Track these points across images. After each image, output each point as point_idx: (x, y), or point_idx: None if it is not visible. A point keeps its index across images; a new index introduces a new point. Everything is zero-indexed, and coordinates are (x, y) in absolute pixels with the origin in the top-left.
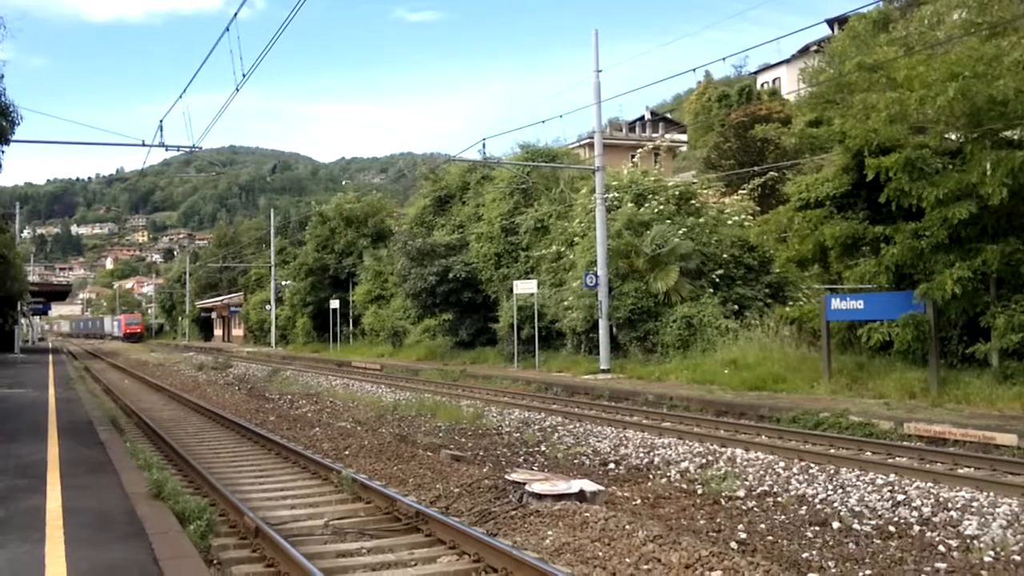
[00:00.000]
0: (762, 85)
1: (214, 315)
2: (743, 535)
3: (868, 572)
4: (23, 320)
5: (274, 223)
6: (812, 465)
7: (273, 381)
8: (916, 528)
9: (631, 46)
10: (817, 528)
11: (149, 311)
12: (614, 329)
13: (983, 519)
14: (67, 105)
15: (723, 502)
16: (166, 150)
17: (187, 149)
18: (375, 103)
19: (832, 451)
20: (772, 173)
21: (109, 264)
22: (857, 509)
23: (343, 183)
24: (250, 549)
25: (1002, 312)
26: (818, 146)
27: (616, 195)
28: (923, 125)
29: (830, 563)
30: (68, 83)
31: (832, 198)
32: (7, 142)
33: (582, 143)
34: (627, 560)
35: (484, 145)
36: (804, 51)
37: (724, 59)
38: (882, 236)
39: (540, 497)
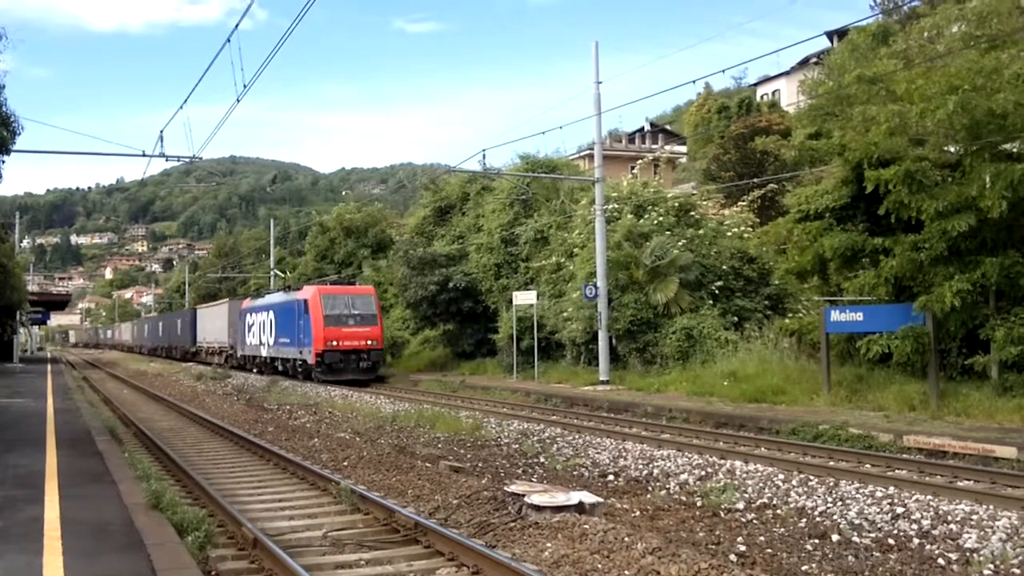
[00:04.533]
0: (761, 97)
1: None
2: (742, 548)
3: None
4: (22, 329)
5: (274, 233)
6: (811, 477)
7: (272, 391)
8: (915, 541)
9: (631, 58)
10: (816, 541)
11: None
12: (613, 340)
13: (983, 532)
14: (67, 115)
15: (722, 514)
16: (166, 160)
17: (187, 159)
18: (375, 114)
19: (831, 463)
20: (772, 185)
21: (108, 274)
22: (856, 522)
23: (343, 193)
24: (248, 560)
25: (1001, 324)
26: (817, 158)
27: (616, 206)
28: (922, 138)
29: None
30: (69, 93)
31: (831, 210)
32: (8, 152)
33: (582, 154)
34: (626, 573)
35: (484, 156)
36: (804, 63)
37: (724, 71)
38: (881, 248)
39: (539, 509)
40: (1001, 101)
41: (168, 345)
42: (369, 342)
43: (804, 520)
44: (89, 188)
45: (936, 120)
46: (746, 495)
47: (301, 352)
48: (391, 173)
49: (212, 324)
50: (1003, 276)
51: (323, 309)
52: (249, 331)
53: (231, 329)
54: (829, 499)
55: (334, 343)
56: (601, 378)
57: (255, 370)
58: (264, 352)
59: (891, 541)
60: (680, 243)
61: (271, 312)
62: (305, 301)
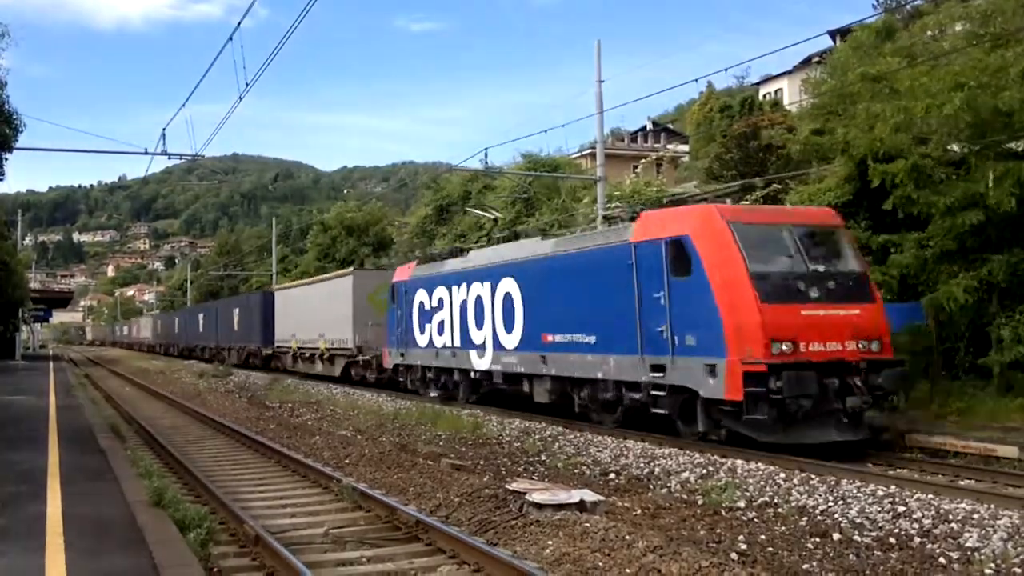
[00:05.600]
0: (764, 96)
1: None
2: (743, 546)
3: None
4: (24, 327)
5: (276, 231)
6: (813, 476)
7: (273, 389)
8: (917, 540)
9: (633, 58)
10: (818, 540)
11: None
12: None
13: (984, 531)
14: (70, 113)
15: (723, 513)
16: (168, 158)
17: (189, 157)
18: (377, 112)
19: (832, 462)
20: (775, 184)
21: (110, 272)
22: (858, 521)
23: (345, 192)
24: (250, 557)
25: (1007, 323)
26: (820, 156)
27: (618, 205)
28: (926, 135)
29: (830, 575)
30: (71, 91)
31: (834, 207)
32: (10, 149)
33: (584, 153)
34: (627, 571)
35: (486, 154)
36: (806, 62)
37: (726, 70)
38: (887, 245)
39: (540, 507)
40: (1007, 99)
41: (215, 345)
42: (863, 343)
43: (805, 519)
44: (91, 186)
45: (941, 117)
46: (747, 493)
47: (672, 365)
48: (393, 171)
49: (316, 311)
50: (1009, 274)
51: (746, 259)
52: (427, 322)
53: (357, 320)
54: (830, 498)
55: (787, 346)
56: None
57: (451, 389)
58: (485, 362)
59: (892, 540)
60: None
61: (511, 279)
62: (679, 241)
